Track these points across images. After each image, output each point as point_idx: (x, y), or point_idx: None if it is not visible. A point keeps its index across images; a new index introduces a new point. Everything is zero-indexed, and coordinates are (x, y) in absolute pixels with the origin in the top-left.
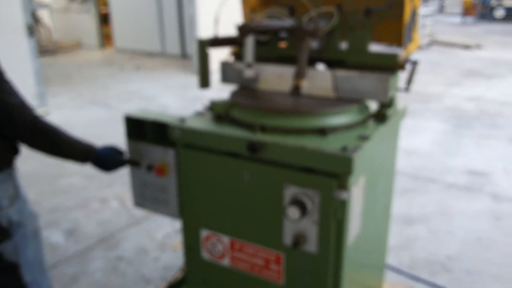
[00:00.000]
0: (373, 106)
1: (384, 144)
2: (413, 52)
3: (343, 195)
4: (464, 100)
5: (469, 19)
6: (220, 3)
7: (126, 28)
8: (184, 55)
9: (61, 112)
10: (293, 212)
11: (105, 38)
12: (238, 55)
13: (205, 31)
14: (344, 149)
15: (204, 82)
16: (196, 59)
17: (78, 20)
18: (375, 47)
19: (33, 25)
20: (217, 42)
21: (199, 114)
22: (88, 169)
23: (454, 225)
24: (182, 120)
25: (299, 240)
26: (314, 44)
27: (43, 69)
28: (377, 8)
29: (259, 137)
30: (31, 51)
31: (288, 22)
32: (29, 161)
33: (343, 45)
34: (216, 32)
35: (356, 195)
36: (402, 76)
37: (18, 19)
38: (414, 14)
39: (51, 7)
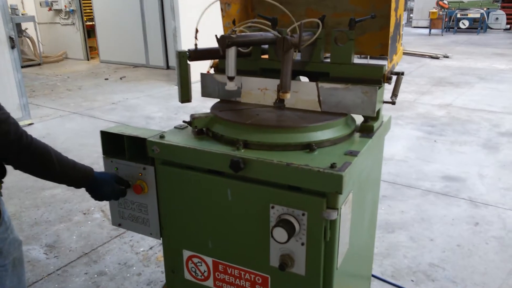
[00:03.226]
0: (358, 118)
1: (371, 158)
2: (397, 63)
3: (333, 215)
4: (436, 108)
5: (436, 30)
6: (200, 14)
7: (111, 41)
8: (168, 67)
9: (44, 123)
10: (280, 235)
11: (91, 51)
12: (219, 68)
13: (187, 44)
14: (333, 166)
15: (185, 96)
16: (177, 72)
17: (63, 32)
18: (359, 59)
19: (15, 37)
20: (197, 54)
21: (178, 129)
22: None
23: (434, 232)
24: (161, 135)
25: (286, 262)
26: (297, 56)
27: (28, 81)
28: (361, 19)
29: (242, 154)
30: (13, 63)
31: (270, 34)
32: (10, 172)
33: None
34: (196, 44)
35: (346, 214)
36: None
37: (0, 31)
38: (398, 24)
39: (36, 20)
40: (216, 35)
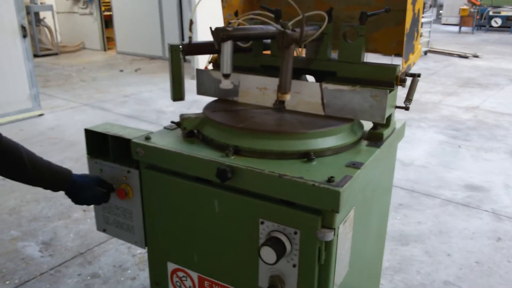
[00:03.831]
0: (368, 124)
1: (379, 169)
2: (414, 63)
3: (328, 236)
4: (462, 110)
5: (466, 28)
6: (197, 3)
7: (128, 32)
8: (185, 60)
9: (54, 115)
10: (268, 255)
11: (108, 41)
12: (217, 63)
13: (204, 36)
14: (330, 180)
15: (177, 93)
16: (169, 67)
17: (81, 22)
18: (370, 58)
19: (27, 26)
20: (191, 48)
21: (168, 130)
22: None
23: (452, 246)
24: (147, 137)
25: (276, 284)
26: (302, 53)
27: (43, 71)
28: (373, 13)
29: (231, 161)
30: (25, 52)
31: (271, 27)
32: None
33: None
34: (190, 37)
35: (344, 234)
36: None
37: (11, 19)
38: (416, 20)
39: (54, 9)
40: (210, 28)
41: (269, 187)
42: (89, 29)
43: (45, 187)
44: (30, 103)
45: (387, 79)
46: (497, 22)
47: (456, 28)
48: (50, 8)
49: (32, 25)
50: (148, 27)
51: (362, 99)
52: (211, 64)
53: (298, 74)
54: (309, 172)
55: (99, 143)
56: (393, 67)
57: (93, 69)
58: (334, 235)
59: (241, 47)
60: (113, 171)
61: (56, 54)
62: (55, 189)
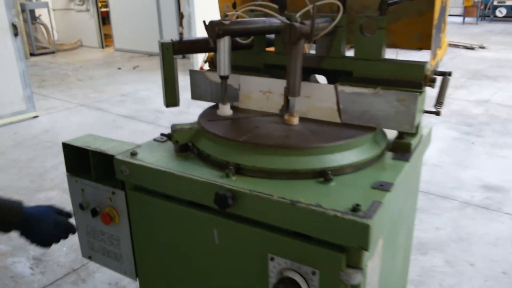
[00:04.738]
0: (389, 130)
1: (407, 185)
2: (441, 59)
3: (356, 278)
4: (472, 104)
5: (470, 19)
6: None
7: (126, 28)
8: (184, 57)
9: (49, 116)
10: None
11: (106, 38)
12: (214, 63)
13: (203, 32)
14: (356, 209)
15: (171, 98)
16: (160, 68)
17: (78, 19)
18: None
19: (18, 24)
20: (182, 46)
21: (158, 142)
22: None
23: (474, 254)
24: (132, 152)
25: None
26: (311, 49)
27: (39, 70)
28: (395, 1)
29: (232, 183)
30: (16, 52)
31: (276, 20)
32: (6, 171)
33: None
34: (181, 33)
35: (373, 270)
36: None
37: (1, 18)
38: (444, 9)
39: (50, 6)
40: (204, 21)
41: (280, 216)
42: (86, 26)
43: None
44: (24, 105)
45: (414, 79)
46: (501, 12)
47: (460, 19)
48: (45, 5)
49: (27, 23)
50: (145, 23)
51: (386, 104)
52: (207, 64)
53: (307, 74)
54: (328, 197)
55: (81, 158)
56: (421, 65)
57: (90, 68)
58: (362, 275)
59: (241, 43)
60: (96, 192)
61: (53, 52)
62: (4, 228)
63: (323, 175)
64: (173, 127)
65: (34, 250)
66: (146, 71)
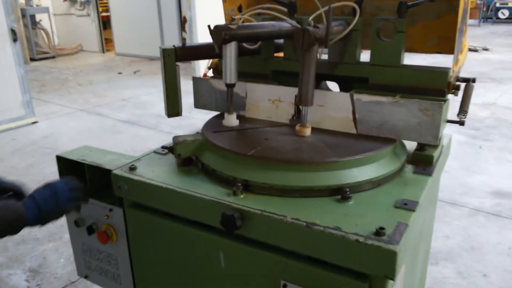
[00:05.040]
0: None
1: (430, 201)
2: (463, 65)
3: None
4: (478, 107)
5: (472, 20)
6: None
7: (126, 33)
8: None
9: (49, 122)
10: None
11: (107, 43)
12: (218, 69)
13: (204, 37)
14: (380, 233)
15: (173, 108)
16: (162, 76)
17: (79, 24)
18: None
19: (17, 30)
20: (185, 52)
21: (159, 155)
22: None
23: (487, 265)
24: (131, 167)
25: None
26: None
27: (40, 75)
28: (415, 3)
29: (240, 201)
30: (15, 57)
31: (286, 24)
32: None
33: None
34: (184, 39)
35: None
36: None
37: (0, 23)
38: (465, 12)
39: (51, 11)
40: (209, 26)
41: (293, 240)
42: (87, 31)
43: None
44: (23, 111)
45: (436, 87)
46: (504, 14)
47: None
48: (46, 10)
49: (28, 28)
50: (146, 27)
51: (408, 113)
52: (211, 71)
53: (318, 80)
54: (348, 219)
55: (76, 171)
56: (444, 71)
57: (91, 72)
58: None
59: (248, 49)
60: (92, 208)
61: (53, 57)
62: (13, 232)
63: (340, 193)
64: (175, 139)
65: (31, 261)
66: (147, 75)
